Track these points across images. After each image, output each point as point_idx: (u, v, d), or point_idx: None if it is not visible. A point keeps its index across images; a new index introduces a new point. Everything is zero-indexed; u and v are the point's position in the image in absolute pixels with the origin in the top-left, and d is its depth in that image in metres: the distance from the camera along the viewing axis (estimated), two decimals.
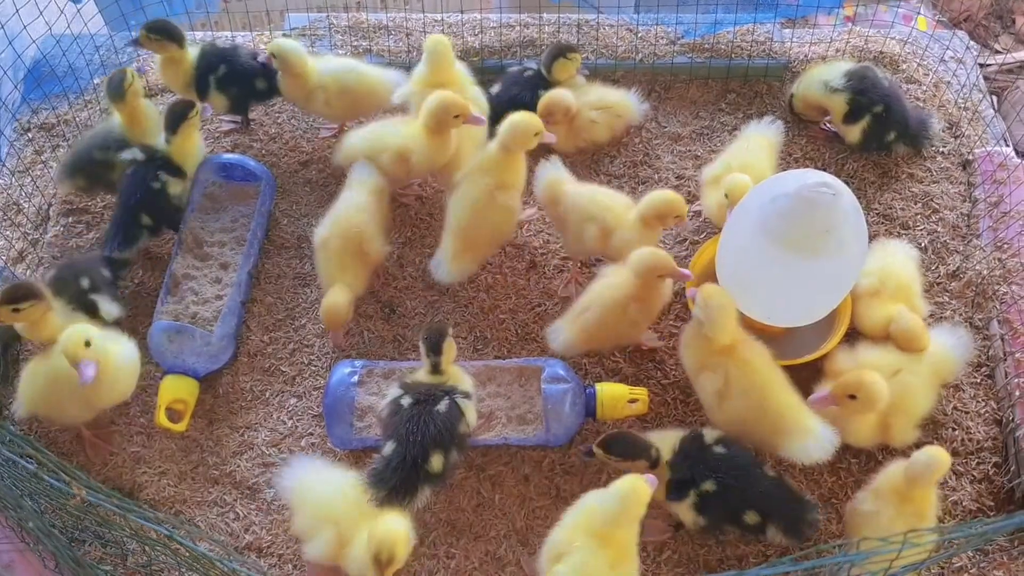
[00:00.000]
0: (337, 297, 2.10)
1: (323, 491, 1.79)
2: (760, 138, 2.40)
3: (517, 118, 2.13)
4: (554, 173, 2.22)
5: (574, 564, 1.59)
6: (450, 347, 1.89)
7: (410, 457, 1.79)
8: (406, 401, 1.85)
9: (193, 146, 2.36)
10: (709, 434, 1.86)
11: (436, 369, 1.89)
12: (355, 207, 2.17)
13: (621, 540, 1.62)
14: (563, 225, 2.22)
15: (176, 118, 2.29)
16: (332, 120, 2.62)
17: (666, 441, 1.87)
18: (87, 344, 1.82)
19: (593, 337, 2.05)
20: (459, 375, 1.92)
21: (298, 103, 2.53)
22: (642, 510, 1.63)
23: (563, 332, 2.05)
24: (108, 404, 2.00)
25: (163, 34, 2.40)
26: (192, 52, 2.48)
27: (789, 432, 1.84)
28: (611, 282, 2.02)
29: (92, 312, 2.09)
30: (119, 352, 1.94)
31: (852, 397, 1.86)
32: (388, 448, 1.83)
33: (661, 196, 2.08)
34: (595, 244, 2.15)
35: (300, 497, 1.80)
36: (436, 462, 1.81)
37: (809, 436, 1.84)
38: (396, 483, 1.78)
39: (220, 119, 2.67)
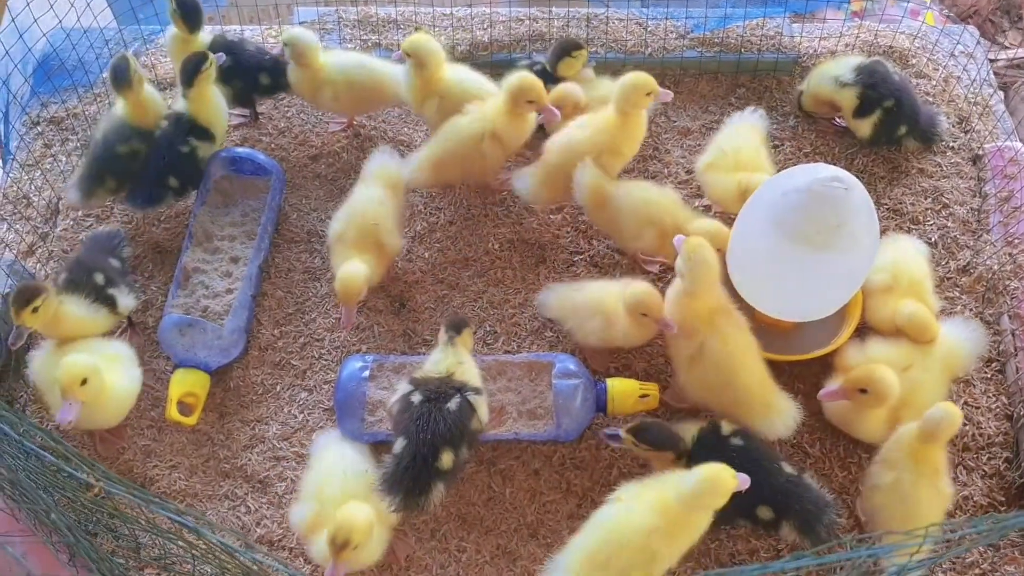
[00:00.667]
0: (354, 267, 2.04)
1: (325, 468, 1.83)
2: (745, 124, 2.39)
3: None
4: (595, 175, 2.18)
5: (620, 515, 1.65)
6: (468, 335, 1.92)
7: (420, 455, 1.78)
8: (416, 398, 1.84)
9: (212, 100, 2.34)
10: (726, 426, 1.86)
11: (451, 341, 1.90)
12: (373, 200, 2.16)
13: (686, 522, 1.64)
14: (614, 227, 2.21)
15: (190, 71, 2.27)
16: (340, 114, 2.62)
17: (684, 432, 1.87)
18: (83, 382, 1.81)
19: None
20: (467, 368, 1.91)
21: (305, 97, 2.53)
22: (718, 502, 1.63)
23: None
24: (91, 428, 2.03)
25: (181, 10, 2.39)
26: (204, 40, 2.47)
27: (753, 408, 1.89)
28: (600, 285, 2.09)
29: (111, 306, 2.08)
30: (113, 385, 1.93)
31: (863, 391, 1.87)
32: (399, 446, 1.82)
33: (705, 226, 2.08)
34: (653, 245, 2.16)
35: (311, 464, 1.86)
36: (447, 459, 1.79)
37: (773, 413, 1.89)
38: (410, 483, 1.77)
39: (229, 113, 2.66)
